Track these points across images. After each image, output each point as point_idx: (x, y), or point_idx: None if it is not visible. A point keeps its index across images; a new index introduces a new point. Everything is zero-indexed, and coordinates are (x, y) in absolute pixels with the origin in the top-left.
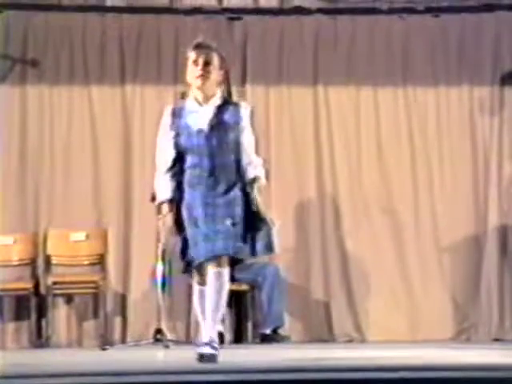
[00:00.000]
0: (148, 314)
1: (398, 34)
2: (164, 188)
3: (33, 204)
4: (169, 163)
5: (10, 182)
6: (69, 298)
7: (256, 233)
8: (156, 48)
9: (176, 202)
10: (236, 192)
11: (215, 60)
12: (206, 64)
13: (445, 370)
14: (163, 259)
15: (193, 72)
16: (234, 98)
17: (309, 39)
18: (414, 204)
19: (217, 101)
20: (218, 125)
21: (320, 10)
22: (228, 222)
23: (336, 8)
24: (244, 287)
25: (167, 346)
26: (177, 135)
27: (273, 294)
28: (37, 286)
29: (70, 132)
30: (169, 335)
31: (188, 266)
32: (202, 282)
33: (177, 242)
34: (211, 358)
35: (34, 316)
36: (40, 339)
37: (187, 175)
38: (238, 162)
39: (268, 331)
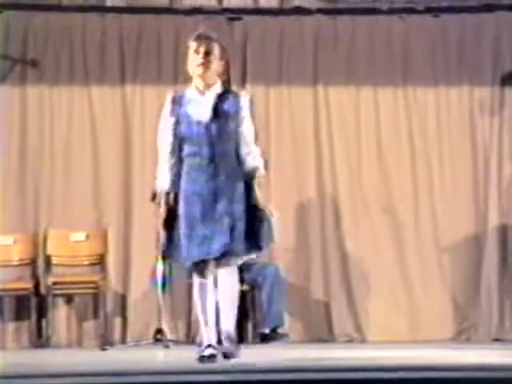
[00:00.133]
0: (148, 314)
1: (398, 34)
2: (163, 177)
3: (33, 204)
4: (169, 148)
5: (10, 182)
6: (69, 298)
7: (257, 225)
8: (156, 48)
9: (174, 193)
10: (237, 183)
11: (216, 50)
12: (207, 53)
13: (445, 370)
14: (163, 259)
15: (194, 61)
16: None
17: (309, 39)
18: (414, 204)
19: (217, 89)
20: (218, 114)
21: (320, 10)
22: (226, 221)
23: (336, 8)
24: (244, 287)
25: (167, 346)
26: (177, 123)
27: (273, 294)
28: (37, 286)
29: (70, 132)
30: (169, 335)
31: (192, 271)
32: (203, 275)
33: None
34: (211, 359)
35: (34, 316)
36: (40, 339)
37: (186, 166)
38: (238, 151)
39: (267, 331)
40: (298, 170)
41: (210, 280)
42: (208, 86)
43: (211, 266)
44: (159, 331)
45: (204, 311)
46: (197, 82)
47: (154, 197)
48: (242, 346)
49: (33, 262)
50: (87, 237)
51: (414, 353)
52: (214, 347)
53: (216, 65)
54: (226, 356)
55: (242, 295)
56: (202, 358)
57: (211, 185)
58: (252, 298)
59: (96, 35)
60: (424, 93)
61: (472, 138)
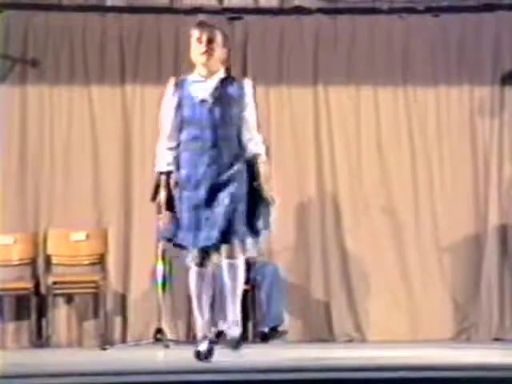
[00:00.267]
0: (148, 314)
1: (398, 34)
2: (164, 158)
3: (33, 204)
4: (171, 129)
5: (10, 182)
6: (69, 298)
7: (258, 210)
8: (156, 48)
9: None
10: (240, 167)
11: (218, 37)
12: (210, 41)
13: (445, 370)
14: (163, 259)
15: (197, 49)
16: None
17: (309, 39)
18: (414, 204)
19: (220, 75)
20: (222, 97)
21: (320, 10)
22: (226, 201)
23: (336, 8)
24: (244, 287)
25: (167, 346)
26: (179, 105)
27: (272, 293)
28: (37, 285)
29: (70, 132)
30: (169, 335)
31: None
32: (202, 264)
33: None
34: (208, 354)
35: (34, 316)
36: (40, 339)
37: (187, 151)
38: (240, 137)
39: (267, 330)
40: (298, 169)
41: (208, 270)
42: (211, 73)
43: (214, 255)
44: (159, 331)
45: (200, 301)
46: (200, 69)
47: (153, 197)
48: (243, 345)
49: (33, 262)
50: (87, 236)
51: (414, 352)
52: (211, 341)
53: (219, 52)
54: (234, 346)
55: (242, 295)
56: (197, 354)
57: (214, 168)
58: (252, 298)
59: (96, 35)
60: (424, 93)
61: (472, 138)
